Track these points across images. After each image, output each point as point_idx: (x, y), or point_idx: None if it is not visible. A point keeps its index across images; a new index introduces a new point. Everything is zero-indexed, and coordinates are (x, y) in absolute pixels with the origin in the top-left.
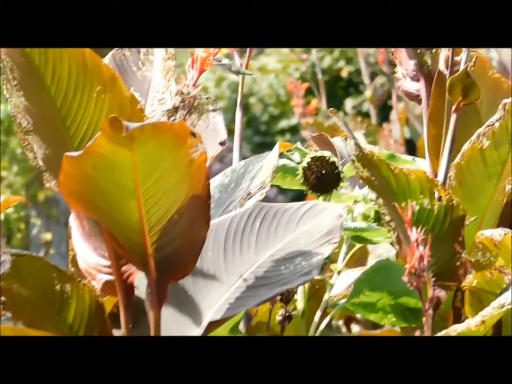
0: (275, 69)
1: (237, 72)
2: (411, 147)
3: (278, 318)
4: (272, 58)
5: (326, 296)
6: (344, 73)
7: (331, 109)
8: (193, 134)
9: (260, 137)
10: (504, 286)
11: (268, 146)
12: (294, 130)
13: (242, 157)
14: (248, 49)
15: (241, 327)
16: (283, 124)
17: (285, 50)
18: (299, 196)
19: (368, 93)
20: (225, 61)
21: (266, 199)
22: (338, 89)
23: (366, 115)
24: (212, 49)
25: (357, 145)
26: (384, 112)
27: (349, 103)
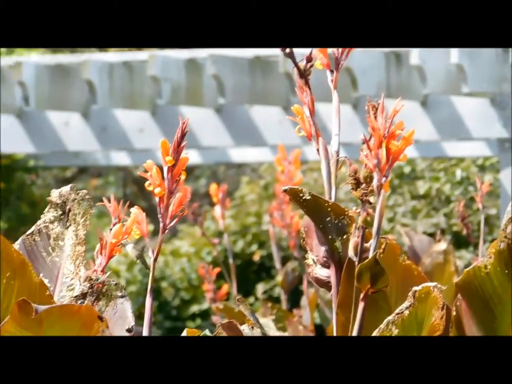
0: (187, 253)
1: (137, 257)
2: (321, 333)
3: None
4: (185, 241)
5: None
6: (256, 257)
7: (238, 297)
8: (100, 318)
9: (170, 322)
10: None
11: (179, 331)
12: (205, 315)
13: None
14: (160, 235)
15: None
16: (194, 308)
17: (198, 234)
18: None
19: (279, 277)
20: (129, 245)
21: None
22: (250, 273)
23: (277, 300)
24: (121, 236)
25: (263, 334)
26: (295, 296)
27: (260, 288)
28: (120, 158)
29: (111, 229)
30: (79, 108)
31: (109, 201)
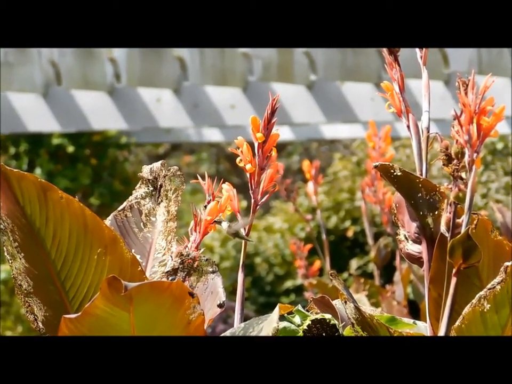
0: (281, 229)
1: (233, 235)
2: (414, 308)
3: None
4: (278, 217)
5: None
6: (349, 233)
7: (331, 271)
8: (191, 294)
9: (264, 297)
10: None
11: (273, 307)
12: (299, 290)
13: (245, 318)
14: (252, 211)
15: None
16: (288, 284)
17: (291, 210)
18: None
19: (372, 253)
20: (224, 223)
21: None
22: (344, 249)
23: (371, 275)
24: (215, 214)
25: (357, 308)
26: (388, 272)
27: (354, 263)
28: (212, 134)
29: (205, 206)
30: (170, 84)
31: (203, 178)
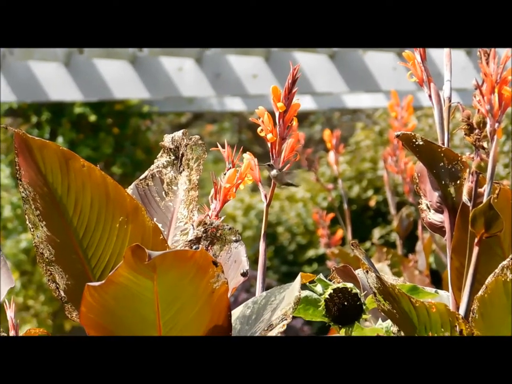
0: (303, 198)
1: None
2: (437, 278)
3: None
4: (301, 187)
5: None
6: (372, 203)
7: (352, 241)
8: (215, 263)
9: (287, 266)
10: None
11: (295, 276)
12: (321, 259)
13: (267, 287)
14: (273, 180)
15: None
16: (311, 253)
17: (313, 180)
18: (325, 327)
19: (395, 222)
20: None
21: (292, 329)
22: (366, 219)
23: (393, 245)
24: (235, 180)
25: (378, 278)
26: (410, 242)
27: (376, 233)
28: (235, 104)
29: (225, 174)
30: (192, 54)
31: (223, 147)
